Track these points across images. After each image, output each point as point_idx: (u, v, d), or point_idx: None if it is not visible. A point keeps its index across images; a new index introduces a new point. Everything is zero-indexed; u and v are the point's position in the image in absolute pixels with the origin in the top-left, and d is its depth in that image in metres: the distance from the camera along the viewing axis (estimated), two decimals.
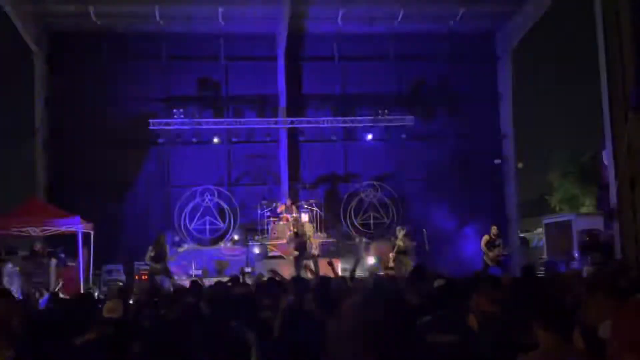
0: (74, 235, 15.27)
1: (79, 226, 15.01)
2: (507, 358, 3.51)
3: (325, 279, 8.27)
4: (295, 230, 16.63)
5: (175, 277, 15.90)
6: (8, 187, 19.13)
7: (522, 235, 22.59)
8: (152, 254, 15.58)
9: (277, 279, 8.33)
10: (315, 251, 16.43)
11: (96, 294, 14.34)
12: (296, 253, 15.65)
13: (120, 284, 15.77)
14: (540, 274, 15.08)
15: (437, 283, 6.29)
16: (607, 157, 14.23)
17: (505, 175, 20.88)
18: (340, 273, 14.34)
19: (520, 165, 21.22)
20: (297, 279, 9.06)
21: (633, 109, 12.39)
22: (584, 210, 28.00)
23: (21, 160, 20.03)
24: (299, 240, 15.96)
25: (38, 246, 15.84)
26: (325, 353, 2.68)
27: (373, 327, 2.50)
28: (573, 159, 30.88)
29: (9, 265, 14.90)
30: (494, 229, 15.82)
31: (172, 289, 12.12)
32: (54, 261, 15.49)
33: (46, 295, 11.92)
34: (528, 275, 7.60)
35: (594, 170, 20.13)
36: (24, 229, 15.49)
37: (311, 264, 15.07)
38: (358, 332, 2.47)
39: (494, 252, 15.60)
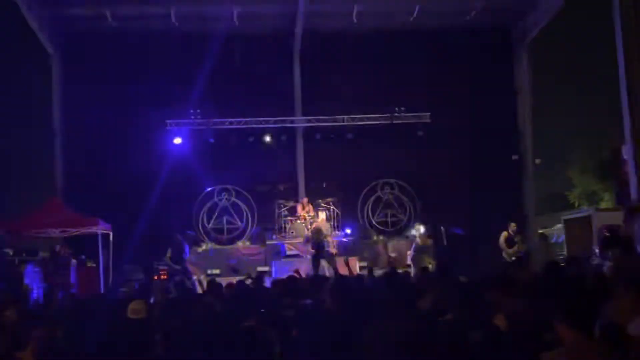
0: (93, 237, 15.39)
1: (98, 227, 15.12)
2: (531, 356, 3.48)
3: (342, 277, 8.26)
4: (312, 228, 16.63)
5: (194, 277, 15.97)
6: (27, 189, 19.28)
7: (541, 231, 22.40)
8: (170, 254, 15.69)
9: (297, 277, 8.35)
10: (332, 250, 16.41)
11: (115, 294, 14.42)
12: (313, 252, 15.63)
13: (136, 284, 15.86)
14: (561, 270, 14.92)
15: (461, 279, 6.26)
16: (627, 152, 14.08)
17: (523, 171, 20.73)
18: (357, 271, 14.37)
19: (538, 161, 21.05)
20: (315, 278, 9.08)
21: None
22: (603, 205, 27.70)
23: (40, 163, 20.18)
24: (316, 239, 15.94)
25: (59, 247, 15.99)
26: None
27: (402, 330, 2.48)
28: (592, 154, 30.55)
29: (30, 267, 15.05)
30: (512, 226, 15.70)
31: (194, 288, 12.21)
32: (74, 262, 15.62)
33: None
34: (550, 273, 7.52)
35: (614, 166, 19.90)
36: (44, 231, 15.64)
37: (330, 262, 15.11)
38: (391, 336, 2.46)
39: (513, 249, 15.50)
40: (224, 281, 11.02)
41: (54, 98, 19.38)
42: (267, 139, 19.61)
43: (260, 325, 5.63)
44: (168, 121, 18.87)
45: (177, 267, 15.77)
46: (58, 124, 19.44)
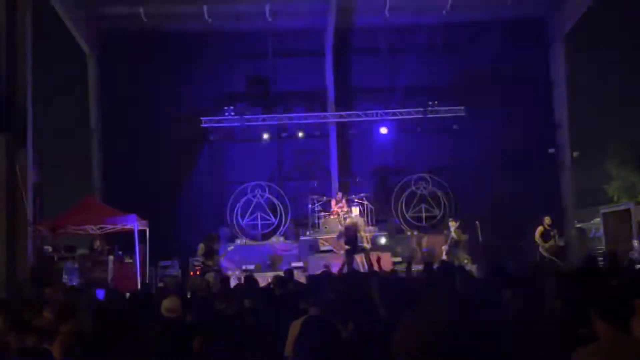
0: (130, 233, 15.59)
1: (135, 224, 15.31)
2: (569, 350, 3.43)
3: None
4: (345, 224, 16.58)
5: (229, 273, 16.09)
6: (66, 187, 19.62)
7: (578, 225, 22.05)
8: (203, 251, 15.80)
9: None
10: (366, 245, 16.39)
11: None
12: (347, 247, 15.61)
13: (174, 278, 16.04)
14: (600, 264, 14.69)
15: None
16: None
17: (560, 164, 20.43)
18: (390, 267, 14.33)
19: (575, 154, 20.71)
20: (348, 274, 9.08)
21: None
22: None
23: (78, 161, 20.52)
24: (350, 234, 15.90)
25: (97, 244, 16.24)
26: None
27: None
28: (631, 146, 29.94)
29: (69, 263, 15.32)
30: (547, 220, 15.49)
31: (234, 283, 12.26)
32: (111, 258, 15.85)
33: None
34: (588, 267, 7.42)
35: None
36: (82, 228, 15.91)
37: (365, 257, 15.08)
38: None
39: (549, 243, 15.29)
40: (259, 277, 11.08)
41: (91, 97, 19.70)
42: (300, 134, 19.64)
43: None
44: (202, 118, 19.02)
45: (210, 262, 15.87)
46: (95, 123, 19.76)
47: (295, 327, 4.70)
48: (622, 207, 19.08)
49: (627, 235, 17.33)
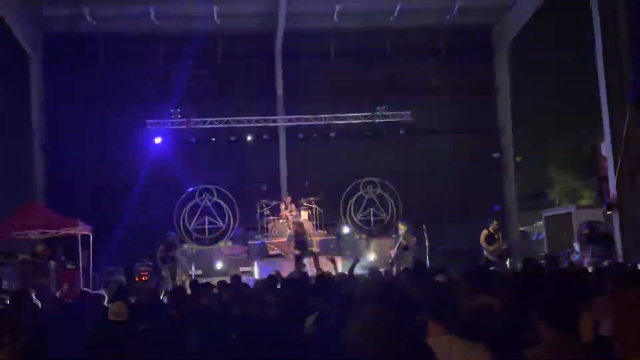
0: (73, 238, 15.24)
1: (78, 228, 14.98)
2: (511, 354, 3.48)
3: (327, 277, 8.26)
4: (294, 228, 16.58)
5: (177, 278, 15.87)
6: (7, 190, 19.03)
7: (522, 229, 22.54)
8: (162, 253, 15.56)
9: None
10: (315, 249, 16.40)
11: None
12: (297, 252, 15.59)
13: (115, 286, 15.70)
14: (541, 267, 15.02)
15: (439, 278, 6.28)
16: (605, 149, 14.22)
17: (504, 169, 20.86)
18: (340, 270, 14.34)
19: (519, 158, 21.19)
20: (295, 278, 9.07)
21: (631, 102, 12.39)
22: (583, 202, 27.92)
23: (19, 164, 19.94)
24: (299, 239, 15.90)
25: (40, 249, 15.83)
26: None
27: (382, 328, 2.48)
28: (572, 151, 30.77)
29: (8, 268, 14.88)
30: (493, 224, 15.79)
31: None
32: (53, 264, 15.47)
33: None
34: (529, 270, 7.57)
35: (594, 163, 20.09)
36: (23, 232, 15.47)
37: (314, 261, 15.09)
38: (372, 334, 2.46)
39: (493, 247, 15.57)
40: (206, 282, 10.95)
41: (33, 99, 19.18)
42: (249, 138, 19.52)
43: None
44: (148, 121, 18.73)
45: (167, 266, 15.63)
46: (37, 125, 19.24)
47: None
48: (564, 211, 19.60)
49: (569, 238, 17.80)
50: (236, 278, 9.78)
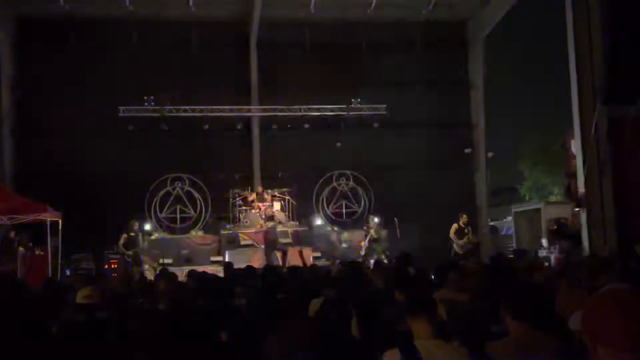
0: (42, 224, 15.04)
1: (47, 214, 14.78)
2: (477, 346, 3.54)
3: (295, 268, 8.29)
4: (265, 219, 16.65)
5: (145, 267, 15.79)
6: None
7: (491, 223, 22.80)
8: (123, 241, 15.49)
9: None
10: (285, 240, 16.53)
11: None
12: (267, 242, 15.67)
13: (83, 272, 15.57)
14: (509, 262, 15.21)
15: (411, 271, 6.34)
16: (575, 146, 14.40)
17: (476, 164, 21.05)
18: (311, 262, 14.41)
19: (490, 154, 21.40)
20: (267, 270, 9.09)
21: (601, 101, 12.57)
22: (553, 199, 28.35)
23: None
24: (268, 230, 15.96)
25: (12, 234, 15.63)
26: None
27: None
28: (543, 148, 31.20)
29: None
30: (463, 218, 15.93)
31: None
32: (21, 250, 15.27)
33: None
34: (497, 264, 7.67)
35: (563, 160, 20.39)
36: None
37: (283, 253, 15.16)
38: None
39: (463, 241, 15.72)
40: (176, 271, 10.92)
41: (2, 83, 18.81)
42: (223, 127, 19.39)
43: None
44: (121, 107, 18.51)
45: (129, 253, 15.55)
46: (7, 110, 18.89)
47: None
48: (533, 207, 19.88)
49: (538, 233, 18.07)
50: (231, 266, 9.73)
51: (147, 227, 18.40)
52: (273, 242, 15.87)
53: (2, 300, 6.90)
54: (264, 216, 17.65)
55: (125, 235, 15.62)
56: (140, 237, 16.07)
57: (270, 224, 16.40)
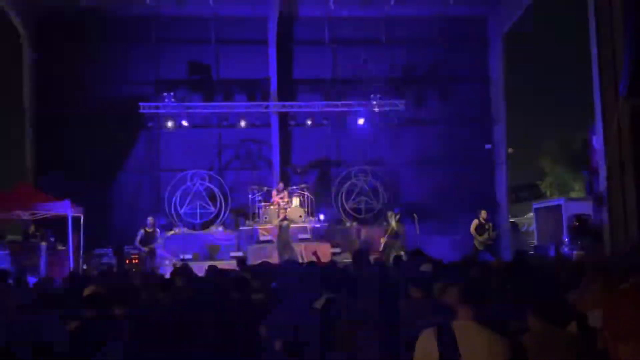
0: (63, 220, 15.21)
1: (68, 210, 14.94)
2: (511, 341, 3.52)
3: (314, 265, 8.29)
4: (279, 219, 16.78)
5: (167, 262, 15.91)
6: None
7: (512, 220, 22.66)
8: (140, 237, 15.63)
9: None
10: (304, 236, 16.68)
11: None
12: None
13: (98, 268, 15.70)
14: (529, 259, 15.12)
15: (425, 267, 6.31)
16: (597, 142, 14.26)
17: (496, 160, 20.92)
18: (330, 258, 14.42)
19: (511, 150, 21.26)
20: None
21: (623, 96, 12.41)
22: (574, 195, 28.12)
23: (9, 144, 19.88)
24: (282, 229, 16.08)
25: (32, 229, 15.83)
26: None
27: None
28: (564, 144, 30.94)
29: None
30: (483, 214, 15.86)
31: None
32: (43, 245, 15.45)
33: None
34: (519, 261, 7.62)
35: (585, 156, 20.20)
36: (13, 213, 15.45)
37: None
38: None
39: (483, 237, 15.65)
40: (196, 266, 10.97)
41: (25, 79, 19.02)
42: (242, 123, 19.46)
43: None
44: (141, 103, 18.64)
45: (145, 249, 15.68)
46: (28, 105, 19.09)
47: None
48: (554, 203, 19.73)
49: (559, 230, 17.92)
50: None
51: (165, 222, 18.53)
52: (285, 242, 15.93)
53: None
54: (282, 212, 17.68)
55: (142, 231, 15.77)
56: (157, 232, 16.20)
57: (284, 223, 16.42)
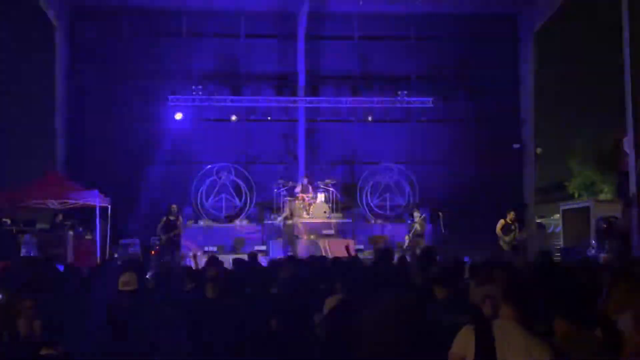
0: (91, 209, 15.41)
1: (96, 199, 15.14)
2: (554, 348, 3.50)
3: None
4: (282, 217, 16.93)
5: (189, 253, 16.02)
6: (29, 160, 19.28)
7: (539, 220, 22.42)
8: (162, 224, 15.66)
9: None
10: (328, 232, 16.74)
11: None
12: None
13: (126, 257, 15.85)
14: (556, 260, 14.98)
15: (450, 266, 6.28)
16: (628, 145, 14.08)
17: (524, 160, 20.71)
18: (353, 253, 14.42)
19: (539, 150, 21.03)
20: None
21: None
22: (602, 197, 27.75)
23: (42, 134, 20.17)
24: (287, 225, 16.22)
25: (60, 218, 16.04)
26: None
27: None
28: (593, 145, 30.52)
29: (28, 237, 15.11)
30: (510, 214, 15.71)
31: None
32: (71, 234, 15.67)
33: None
34: (543, 261, 7.55)
35: (614, 157, 19.96)
36: (43, 202, 15.68)
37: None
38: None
39: (509, 237, 15.52)
40: (221, 259, 11.04)
41: (57, 71, 19.29)
42: (269, 118, 19.52)
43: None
44: (170, 97, 18.82)
45: (164, 237, 15.70)
46: (60, 97, 19.37)
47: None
48: (582, 205, 19.49)
49: (586, 232, 17.71)
50: (252, 255, 9.87)
51: (191, 214, 18.69)
52: (290, 239, 16.08)
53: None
54: (307, 207, 17.73)
55: (164, 219, 15.83)
56: (179, 221, 16.26)
57: (290, 220, 16.52)
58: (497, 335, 3.41)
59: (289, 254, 14.42)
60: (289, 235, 16.25)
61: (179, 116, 18.97)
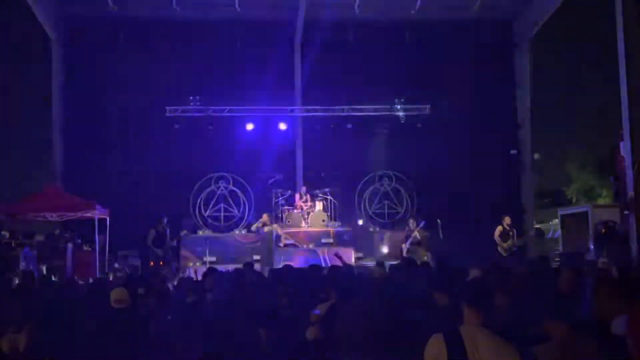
0: (90, 221, 15.41)
1: (95, 211, 15.14)
2: (520, 350, 3.50)
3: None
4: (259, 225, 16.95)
5: (189, 263, 16.02)
6: (25, 172, 19.29)
7: (537, 226, 22.42)
8: (153, 237, 15.65)
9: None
10: (327, 240, 16.74)
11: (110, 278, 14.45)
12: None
13: (125, 271, 15.84)
14: (555, 265, 14.96)
15: (473, 274, 6.15)
16: (624, 149, 14.11)
17: (522, 165, 20.74)
18: (352, 262, 14.41)
19: (536, 155, 21.06)
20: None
21: None
22: (600, 201, 27.77)
23: (39, 146, 20.19)
24: (265, 234, 16.27)
25: (58, 231, 16.04)
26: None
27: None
28: (591, 150, 30.59)
29: (27, 250, 15.09)
30: (507, 220, 15.72)
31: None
32: (70, 246, 15.66)
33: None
34: (541, 267, 7.57)
35: (612, 162, 19.94)
36: (41, 214, 15.69)
37: None
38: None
39: (507, 243, 15.52)
40: (220, 269, 11.02)
41: (54, 83, 19.34)
42: (266, 127, 19.53)
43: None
44: (167, 107, 18.84)
45: (159, 250, 15.70)
46: (57, 109, 19.41)
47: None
48: (581, 210, 19.47)
49: (585, 237, 17.69)
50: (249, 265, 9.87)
51: (190, 224, 18.68)
52: (268, 248, 16.12)
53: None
54: (306, 216, 17.75)
55: (153, 231, 15.81)
56: (168, 233, 16.24)
57: (268, 228, 16.60)
58: (466, 341, 3.41)
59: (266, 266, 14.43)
60: (269, 243, 16.28)
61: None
